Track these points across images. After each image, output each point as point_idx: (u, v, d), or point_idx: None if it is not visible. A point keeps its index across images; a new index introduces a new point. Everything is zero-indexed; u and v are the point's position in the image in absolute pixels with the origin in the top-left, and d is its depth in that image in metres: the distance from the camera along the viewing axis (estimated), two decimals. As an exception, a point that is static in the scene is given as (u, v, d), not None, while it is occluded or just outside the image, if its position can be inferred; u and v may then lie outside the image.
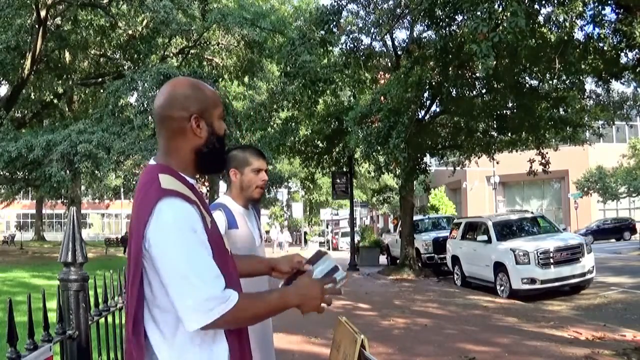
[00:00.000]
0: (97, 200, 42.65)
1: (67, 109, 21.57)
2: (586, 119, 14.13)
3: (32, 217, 46.37)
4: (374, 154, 12.39)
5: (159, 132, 1.37)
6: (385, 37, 14.42)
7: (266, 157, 2.39)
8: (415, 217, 16.90)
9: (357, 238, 20.05)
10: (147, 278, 1.27)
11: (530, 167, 14.53)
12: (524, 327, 6.62)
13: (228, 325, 1.28)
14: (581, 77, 11.65)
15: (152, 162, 1.37)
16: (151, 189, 1.26)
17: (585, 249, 9.69)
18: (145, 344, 1.28)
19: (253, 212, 2.36)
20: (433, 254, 15.36)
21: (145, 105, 15.17)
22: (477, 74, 12.35)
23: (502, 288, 9.94)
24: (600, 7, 9.14)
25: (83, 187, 27.20)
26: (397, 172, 12.47)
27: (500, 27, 7.51)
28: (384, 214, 41.63)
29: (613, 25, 9.32)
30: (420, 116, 14.07)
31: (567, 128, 13.76)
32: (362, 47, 13.94)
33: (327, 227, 46.32)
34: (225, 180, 2.32)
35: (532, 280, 9.36)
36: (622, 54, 10.07)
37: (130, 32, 18.46)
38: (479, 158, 17.30)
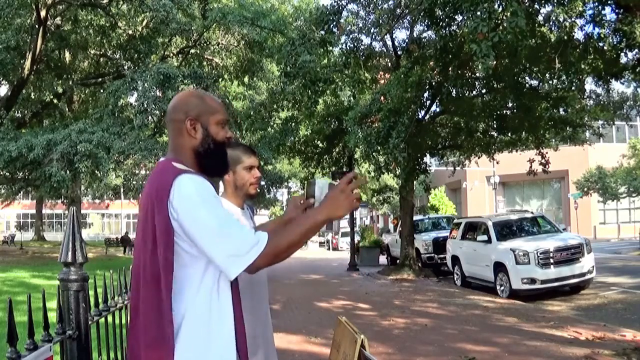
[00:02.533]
0: (97, 200, 42.72)
1: (67, 109, 21.56)
2: (586, 119, 14.13)
3: (32, 217, 46.37)
4: (374, 154, 12.40)
5: (169, 134, 1.59)
6: (385, 37, 14.43)
7: (260, 154, 2.41)
8: (415, 217, 16.90)
9: (357, 238, 20.05)
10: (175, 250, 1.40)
11: (530, 167, 14.52)
12: (524, 327, 6.62)
13: (268, 261, 1.40)
14: (581, 77, 11.63)
15: (162, 159, 1.55)
16: (168, 172, 1.43)
17: (585, 249, 9.69)
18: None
19: (248, 212, 2.37)
20: (433, 254, 15.36)
21: (145, 105, 15.15)
22: (477, 74, 12.36)
23: (502, 288, 9.94)
24: (600, 7, 9.14)
25: (83, 187, 27.22)
26: (397, 172, 12.48)
27: (500, 27, 7.51)
28: (384, 214, 41.61)
29: (613, 25, 9.31)
30: (420, 116, 14.06)
31: (567, 128, 13.76)
32: (362, 47, 13.93)
33: (327, 227, 46.27)
34: (223, 181, 2.32)
35: (532, 280, 9.36)
36: (622, 54, 10.06)
37: (130, 32, 18.45)
38: (479, 158, 17.31)
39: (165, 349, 1.36)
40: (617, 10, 8.99)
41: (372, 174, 15.27)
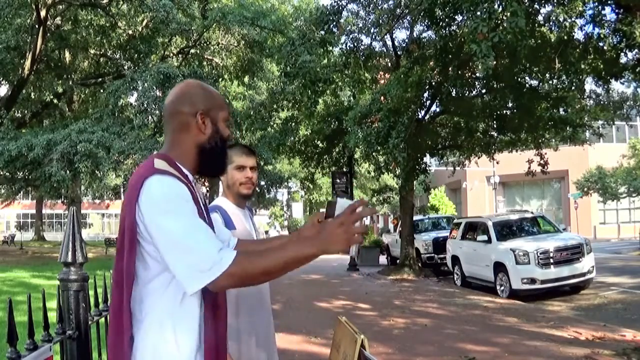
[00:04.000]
0: (97, 200, 42.65)
1: (67, 109, 21.55)
2: (586, 119, 14.13)
3: (32, 217, 46.35)
4: (373, 154, 12.41)
5: (166, 127, 1.46)
6: (385, 37, 14.43)
7: (260, 154, 2.41)
8: (415, 217, 16.90)
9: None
10: (140, 253, 1.32)
11: (529, 168, 14.53)
12: (524, 327, 6.62)
13: (234, 282, 1.26)
14: (581, 77, 11.63)
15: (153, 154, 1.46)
16: (144, 169, 1.34)
17: (585, 249, 9.69)
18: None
19: (248, 213, 2.36)
20: (433, 254, 15.36)
21: (145, 105, 15.16)
22: (477, 74, 12.36)
23: (502, 288, 9.94)
24: (600, 7, 9.14)
25: (83, 187, 27.18)
26: (397, 172, 12.48)
27: (500, 27, 7.51)
28: (384, 214, 41.60)
29: (613, 25, 9.31)
30: (420, 116, 14.07)
31: (567, 128, 13.75)
32: (362, 47, 13.94)
33: (327, 227, 46.26)
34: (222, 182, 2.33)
35: (532, 280, 9.36)
36: (622, 54, 10.06)
37: (130, 32, 18.45)
38: (479, 158, 17.30)
39: (120, 355, 1.31)
40: (617, 10, 8.99)
41: (372, 174, 15.27)
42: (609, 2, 8.87)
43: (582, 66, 10.77)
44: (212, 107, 1.44)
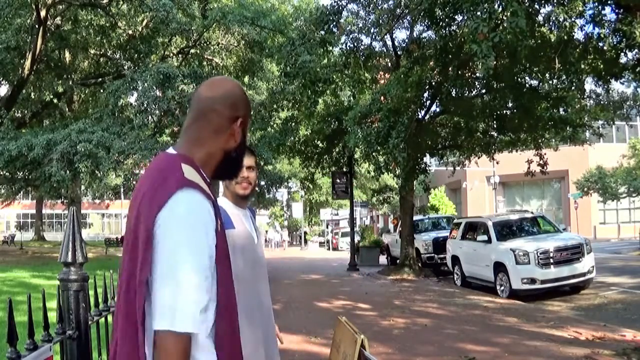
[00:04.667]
0: (97, 200, 42.67)
1: (67, 109, 21.55)
2: (586, 119, 14.14)
3: (32, 217, 46.36)
4: (373, 154, 12.42)
5: (194, 122, 1.34)
6: (385, 37, 14.43)
7: (260, 154, 2.40)
8: (415, 217, 16.90)
9: (357, 238, 20.05)
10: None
11: (529, 168, 14.54)
12: (524, 327, 6.62)
13: (174, 350, 1.13)
14: (581, 77, 11.64)
15: (171, 150, 1.34)
16: (172, 177, 1.22)
17: (585, 249, 9.69)
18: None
19: (249, 214, 2.36)
20: (433, 254, 15.36)
21: (145, 105, 15.15)
22: (477, 74, 12.37)
23: (502, 288, 9.94)
24: (600, 7, 9.14)
25: (83, 187, 27.19)
26: (397, 172, 12.48)
27: (500, 27, 7.51)
28: (384, 214, 41.62)
29: (613, 25, 9.32)
30: (420, 116, 14.08)
31: (567, 128, 13.76)
32: (362, 47, 13.94)
33: (327, 227, 46.33)
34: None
35: (532, 280, 9.37)
36: (622, 54, 10.07)
37: (130, 32, 18.44)
38: (479, 158, 17.31)
39: None
40: (617, 10, 9.00)
41: (372, 174, 15.27)
42: (609, 2, 8.88)
43: (582, 66, 10.78)
44: (248, 115, 1.40)
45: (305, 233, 43.22)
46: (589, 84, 13.10)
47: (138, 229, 1.21)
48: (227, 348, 1.28)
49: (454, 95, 13.40)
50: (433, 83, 12.40)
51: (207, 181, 1.32)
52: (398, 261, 15.94)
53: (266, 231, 44.01)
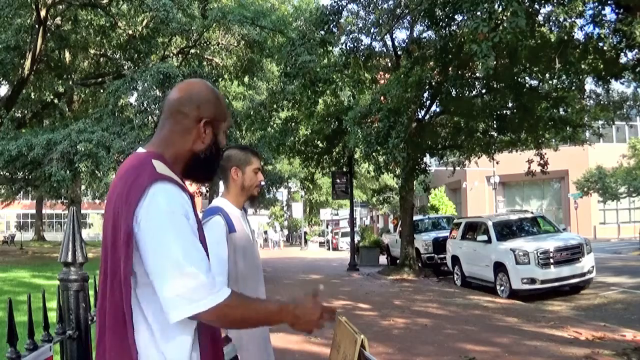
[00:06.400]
0: (97, 200, 42.60)
1: (67, 109, 21.55)
2: (586, 119, 14.14)
3: (32, 217, 46.34)
4: (373, 154, 12.40)
5: (164, 123, 1.37)
6: (385, 37, 14.42)
7: (260, 154, 2.45)
8: (415, 217, 16.90)
9: (357, 238, 20.05)
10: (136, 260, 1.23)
11: (529, 168, 14.53)
12: (524, 327, 6.62)
13: (212, 321, 1.22)
14: (581, 77, 11.64)
15: (141, 150, 1.35)
16: (144, 172, 1.24)
17: (585, 249, 9.69)
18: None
19: (244, 213, 2.38)
20: (433, 254, 15.36)
21: (145, 105, 15.15)
22: (477, 74, 12.36)
23: (502, 288, 9.94)
24: (600, 7, 9.14)
25: (83, 187, 27.16)
26: (397, 172, 12.48)
27: (500, 27, 7.51)
28: (384, 214, 41.60)
29: (613, 25, 9.31)
30: (420, 116, 14.08)
31: (567, 128, 13.76)
32: (362, 47, 13.93)
33: (327, 227, 46.28)
34: (226, 181, 2.32)
35: (532, 280, 9.37)
36: (622, 54, 10.07)
37: (130, 32, 18.44)
38: (479, 158, 17.31)
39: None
40: (617, 10, 8.99)
41: (372, 174, 15.27)
42: (609, 2, 8.88)
43: (582, 66, 10.78)
44: (218, 117, 1.38)
45: (306, 233, 43.20)
46: (589, 84, 13.09)
47: (117, 229, 1.22)
48: (210, 350, 1.31)
49: (454, 95, 13.40)
50: (433, 83, 12.40)
51: (183, 180, 1.33)
52: (398, 261, 15.94)
53: (265, 231, 44.01)
